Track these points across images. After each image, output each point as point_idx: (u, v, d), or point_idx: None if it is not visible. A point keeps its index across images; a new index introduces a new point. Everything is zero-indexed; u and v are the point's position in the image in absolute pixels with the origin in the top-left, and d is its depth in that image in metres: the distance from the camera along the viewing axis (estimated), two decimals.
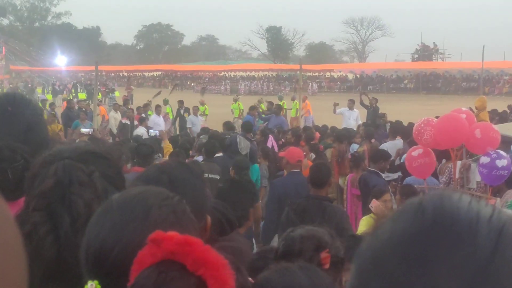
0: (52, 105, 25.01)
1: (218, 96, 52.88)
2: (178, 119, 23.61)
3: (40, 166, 1.78)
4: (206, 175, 9.48)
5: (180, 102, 24.05)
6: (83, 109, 20.89)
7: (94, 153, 1.83)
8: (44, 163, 1.77)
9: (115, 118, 21.36)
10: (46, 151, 2.03)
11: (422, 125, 8.30)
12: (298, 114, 22.13)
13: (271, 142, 13.12)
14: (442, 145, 8.53)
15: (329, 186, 6.65)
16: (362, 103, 22.28)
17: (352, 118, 20.26)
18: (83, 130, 12.71)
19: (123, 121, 19.79)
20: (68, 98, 40.14)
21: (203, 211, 1.90)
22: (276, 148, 12.66)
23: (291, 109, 26.12)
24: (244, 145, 11.10)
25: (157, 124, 18.96)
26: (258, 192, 8.51)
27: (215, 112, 25.20)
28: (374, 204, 6.71)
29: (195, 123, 21.33)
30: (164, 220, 1.46)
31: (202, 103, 26.68)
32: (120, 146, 10.49)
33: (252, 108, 21.10)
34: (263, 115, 21.41)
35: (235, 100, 27.13)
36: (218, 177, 9.50)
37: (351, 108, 20.95)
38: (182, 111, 23.67)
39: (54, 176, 1.70)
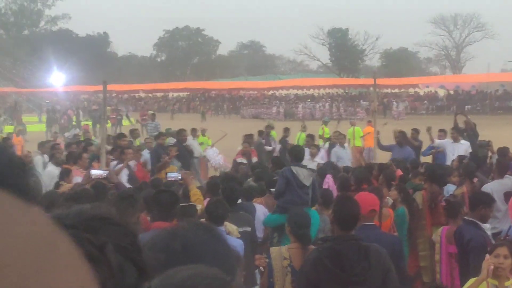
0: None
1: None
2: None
3: None
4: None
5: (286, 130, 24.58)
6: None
7: (104, 219, 1.75)
8: None
9: None
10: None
11: None
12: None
13: (327, 184, 12.99)
14: None
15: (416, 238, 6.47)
16: (456, 127, 21.24)
17: (458, 154, 17.73)
18: (94, 172, 12.39)
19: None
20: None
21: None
22: (334, 192, 12.39)
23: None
24: (305, 175, 11.10)
25: None
26: None
27: None
28: (485, 260, 6.68)
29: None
30: None
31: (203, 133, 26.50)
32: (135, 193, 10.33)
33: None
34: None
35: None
36: (249, 229, 9.53)
37: (456, 140, 19.47)
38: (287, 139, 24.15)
39: None
